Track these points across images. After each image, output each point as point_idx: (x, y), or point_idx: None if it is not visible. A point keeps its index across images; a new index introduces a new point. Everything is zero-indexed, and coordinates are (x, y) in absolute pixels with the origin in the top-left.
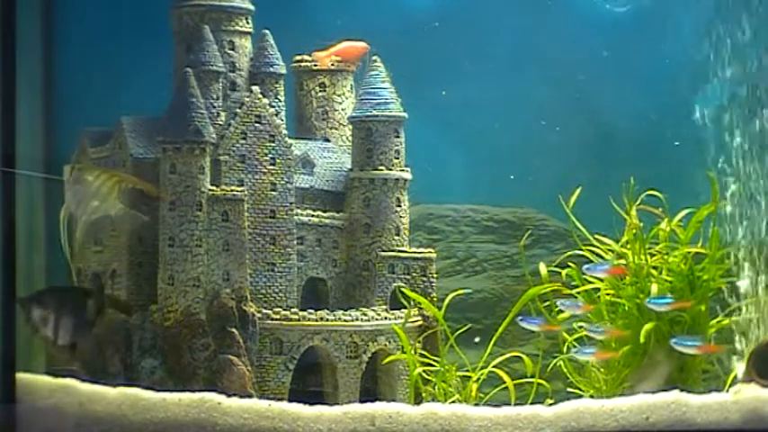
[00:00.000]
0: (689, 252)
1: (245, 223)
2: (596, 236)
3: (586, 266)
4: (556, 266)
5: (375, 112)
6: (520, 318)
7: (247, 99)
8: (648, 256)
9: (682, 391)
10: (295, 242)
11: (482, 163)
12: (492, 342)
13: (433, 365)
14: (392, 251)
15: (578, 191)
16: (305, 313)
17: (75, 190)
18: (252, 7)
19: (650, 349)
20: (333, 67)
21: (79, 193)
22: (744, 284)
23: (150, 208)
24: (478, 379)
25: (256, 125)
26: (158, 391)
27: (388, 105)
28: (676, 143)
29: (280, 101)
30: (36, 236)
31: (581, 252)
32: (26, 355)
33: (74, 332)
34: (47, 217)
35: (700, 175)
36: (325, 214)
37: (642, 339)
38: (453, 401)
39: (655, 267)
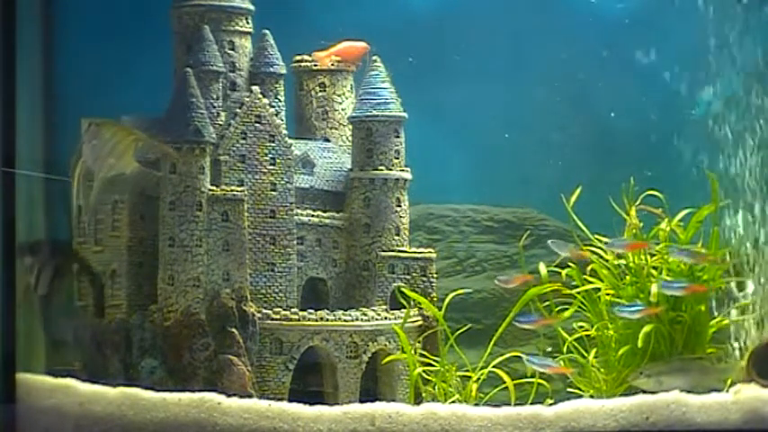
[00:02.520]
0: None
1: (245, 223)
2: (596, 236)
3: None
4: (556, 266)
5: (375, 112)
6: (516, 319)
7: (247, 99)
8: (648, 256)
9: (682, 391)
10: (295, 242)
11: (482, 163)
12: (492, 342)
13: (433, 365)
14: (392, 251)
15: (578, 191)
16: (305, 313)
17: (93, 145)
18: (252, 7)
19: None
20: (333, 67)
21: (96, 148)
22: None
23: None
24: (478, 379)
25: (256, 125)
26: (158, 391)
27: (388, 105)
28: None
29: (280, 101)
30: (36, 235)
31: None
32: (26, 355)
33: (51, 286)
34: (47, 217)
35: (699, 174)
36: (325, 214)
37: (640, 343)
38: (453, 401)
39: (655, 267)
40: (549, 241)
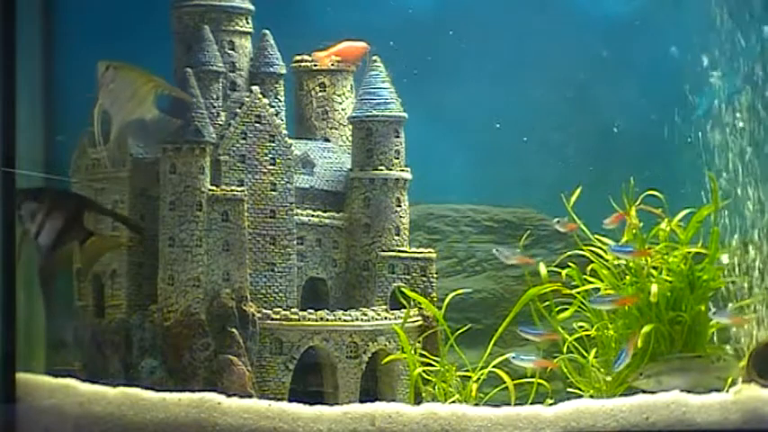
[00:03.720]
0: (689, 252)
1: (245, 223)
2: (596, 236)
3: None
4: (556, 266)
5: (375, 112)
6: (521, 327)
7: (247, 99)
8: (648, 257)
9: (682, 391)
10: (295, 242)
11: (482, 163)
12: (492, 342)
13: (433, 365)
14: (392, 251)
15: (578, 191)
16: (305, 313)
17: (110, 89)
18: (252, 7)
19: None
20: (333, 67)
21: (114, 92)
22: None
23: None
24: (478, 379)
25: (256, 125)
26: (158, 391)
27: (388, 105)
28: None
29: (280, 101)
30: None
31: (581, 252)
32: (26, 355)
33: (58, 236)
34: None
35: (699, 175)
36: (325, 214)
37: (640, 343)
38: (453, 401)
39: (655, 267)
40: (494, 249)
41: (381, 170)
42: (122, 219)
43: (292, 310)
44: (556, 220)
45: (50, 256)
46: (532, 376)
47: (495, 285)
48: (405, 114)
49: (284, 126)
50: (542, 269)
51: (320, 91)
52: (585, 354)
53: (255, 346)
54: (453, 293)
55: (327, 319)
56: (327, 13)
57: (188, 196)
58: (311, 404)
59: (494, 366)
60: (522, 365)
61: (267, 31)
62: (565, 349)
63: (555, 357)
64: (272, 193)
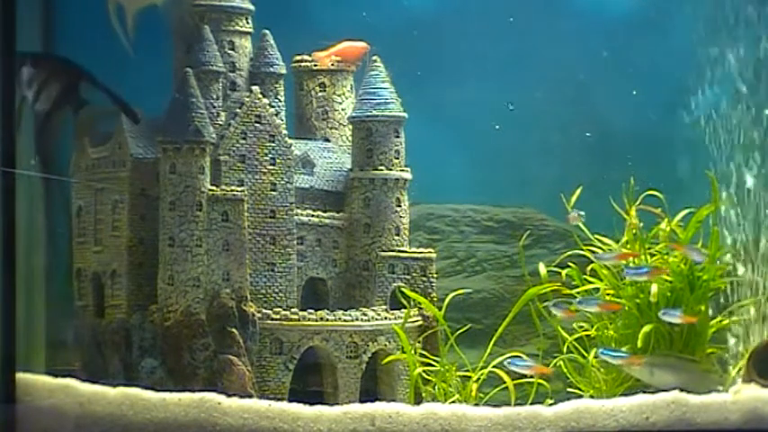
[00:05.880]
0: None
1: (245, 223)
2: (596, 236)
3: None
4: (556, 266)
5: (375, 112)
6: (552, 303)
7: (247, 99)
8: (648, 256)
9: (681, 391)
10: (295, 242)
11: (482, 163)
12: (492, 342)
13: (433, 365)
14: (392, 251)
15: (578, 191)
16: (305, 313)
17: None
18: (252, 7)
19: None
20: (333, 67)
21: None
22: None
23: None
24: (478, 379)
25: (256, 125)
26: (158, 391)
27: (388, 105)
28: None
29: (280, 101)
30: (36, 236)
31: (581, 252)
32: (26, 355)
33: (54, 103)
34: (47, 217)
35: (699, 174)
36: (325, 214)
37: (640, 343)
38: (453, 401)
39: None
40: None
41: (381, 170)
42: (118, 100)
43: (292, 310)
44: (577, 213)
45: (47, 121)
46: (532, 376)
47: (495, 285)
48: (405, 114)
49: (284, 126)
50: (542, 269)
51: (320, 91)
52: (585, 354)
53: (255, 346)
54: (453, 293)
55: (327, 319)
56: (327, 13)
57: (188, 196)
58: (311, 404)
59: (494, 366)
60: (518, 371)
61: (267, 31)
62: (565, 349)
63: (555, 357)
64: (272, 193)
